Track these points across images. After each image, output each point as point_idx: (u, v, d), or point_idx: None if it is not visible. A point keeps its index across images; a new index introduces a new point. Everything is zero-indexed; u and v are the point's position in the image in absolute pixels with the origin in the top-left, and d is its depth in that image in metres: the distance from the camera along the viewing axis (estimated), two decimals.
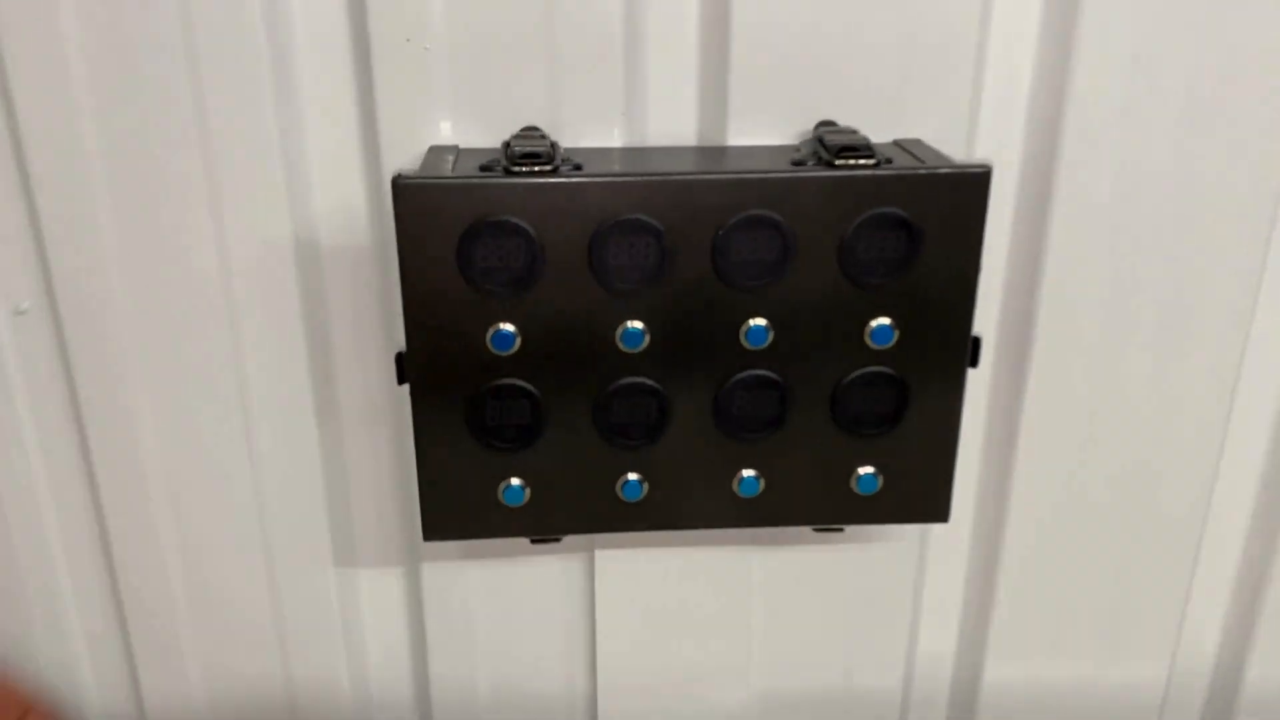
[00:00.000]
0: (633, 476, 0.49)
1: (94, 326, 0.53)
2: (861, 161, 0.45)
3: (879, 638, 0.63)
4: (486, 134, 0.50)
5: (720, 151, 0.50)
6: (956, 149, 0.51)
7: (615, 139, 0.51)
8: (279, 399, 0.55)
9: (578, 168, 0.45)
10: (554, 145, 0.46)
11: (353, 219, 0.53)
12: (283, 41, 0.49)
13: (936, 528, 0.61)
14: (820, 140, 0.47)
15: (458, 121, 0.50)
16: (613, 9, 0.48)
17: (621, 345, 0.46)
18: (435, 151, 0.49)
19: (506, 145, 0.47)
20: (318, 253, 0.53)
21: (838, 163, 0.45)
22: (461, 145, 0.50)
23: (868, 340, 0.47)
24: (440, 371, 0.46)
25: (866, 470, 0.50)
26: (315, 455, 0.57)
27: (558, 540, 0.53)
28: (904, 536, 0.62)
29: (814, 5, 0.49)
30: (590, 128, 0.50)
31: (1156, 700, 0.66)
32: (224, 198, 0.51)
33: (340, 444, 0.57)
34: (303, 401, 0.55)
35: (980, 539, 0.62)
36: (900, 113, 0.51)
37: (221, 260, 0.52)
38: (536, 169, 0.44)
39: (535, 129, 0.49)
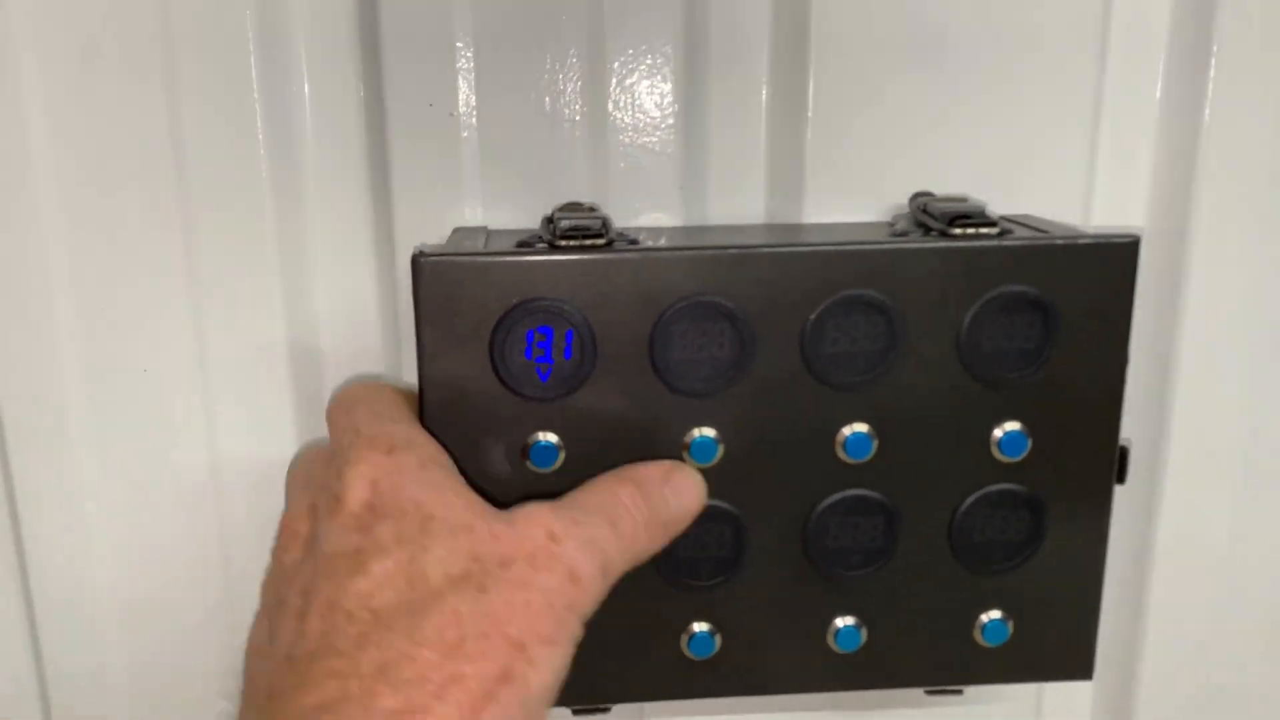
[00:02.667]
0: (702, 627, 0.39)
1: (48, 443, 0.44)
2: (983, 230, 0.37)
3: None
4: (521, 215, 0.43)
5: (799, 229, 0.42)
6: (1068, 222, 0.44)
7: (672, 218, 0.43)
8: (267, 533, 0.46)
9: (633, 243, 0.37)
10: (606, 219, 0.38)
11: (360, 319, 0.44)
12: (283, 106, 0.42)
13: (1053, 684, 0.50)
14: (924, 209, 0.39)
15: (487, 200, 0.43)
16: (669, 63, 0.42)
17: (690, 459, 0.37)
18: (461, 233, 0.41)
19: (549, 220, 0.39)
20: (318, 359, 0.45)
21: (955, 231, 0.37)
22: (491, 227, 0.42)
23: (995, 451, 0.38)
24: None
25: (994, 615, 0.40)
26: None
27: (606, 710, 0.42)
28: (1015, 696, 0.51)
29: (903, 58, 0.42)
30: (643, 206, 0.43)
31: None
32: (205, 291, 0.43)
33: None
34: None
35: (1107, 698, 0.51)
36: (1004, 185, 0.43)
37: (202, 364, 0.43)
38: (588, 243, 0.36)
39: (580, 204, 0.41)
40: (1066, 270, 0.36)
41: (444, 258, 0.35)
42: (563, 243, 0.36)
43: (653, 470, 0.35)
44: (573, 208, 0.40)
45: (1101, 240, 0.36)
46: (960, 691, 0.42)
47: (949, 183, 0.43)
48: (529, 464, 0.37)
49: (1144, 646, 0.50)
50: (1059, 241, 0.36)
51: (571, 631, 0.30)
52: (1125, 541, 0.49)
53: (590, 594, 0.31)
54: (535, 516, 0.32)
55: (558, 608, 0.30)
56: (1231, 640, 0.49)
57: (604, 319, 0.36)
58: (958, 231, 0.37)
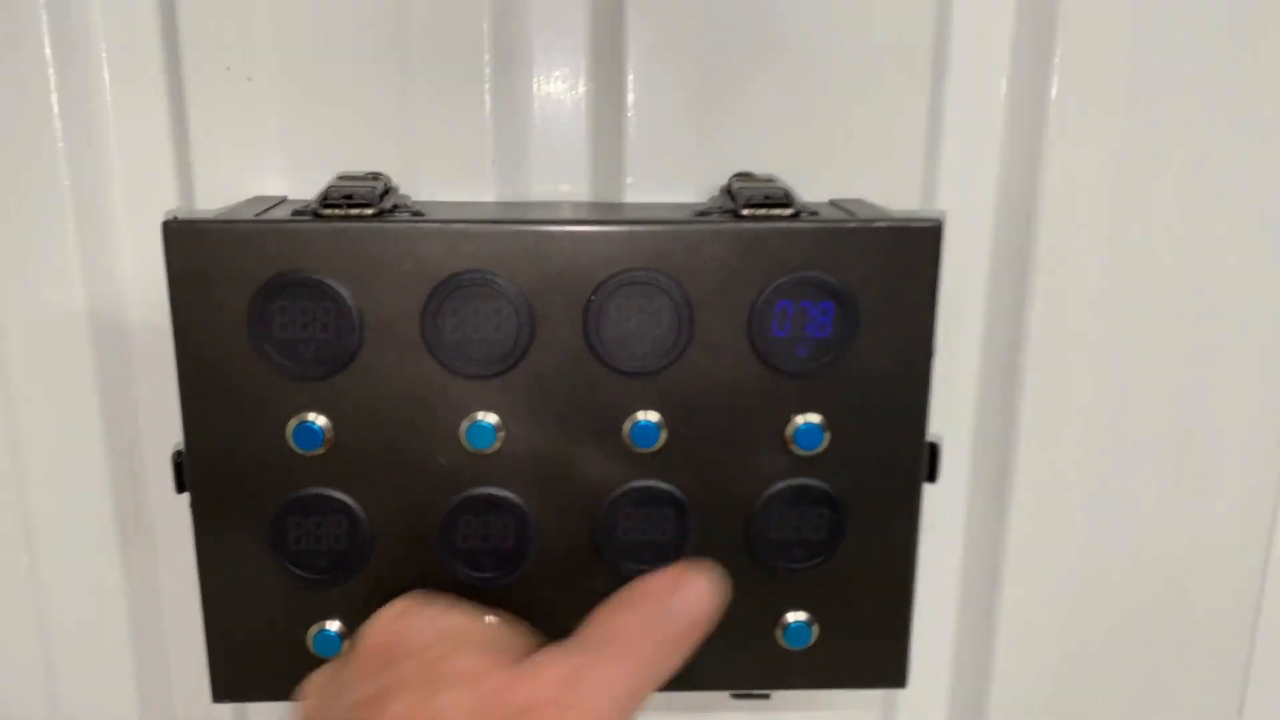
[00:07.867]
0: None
1: None
2: (774, 212, 0.35)
3: None
4: (323, 184, 0.41)
5: (612, 208, 0.40)
6: (910, 206, 0.42)
7: (487, 193, 0.41)
8: (70, 514, 0.44)
9: (417, 214, 0.35)
10: (389, 189, 0.36)
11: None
12: (79, 64, 0.40)
13: (902, 695, 0.48)
14: (729, 191, 0.37)
15: (291, 169, 0.41)
16: (483, 33, 0.40)
17: (467, 444, 0.35)
18: (254, 201, 0.39)
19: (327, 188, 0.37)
20: (123, 329, 0.43)
21: (744, 213, 0.35)
22: (292, 196, 0.41)
23: (791, 444, 0.36)
24: (228, 477, 0.35)
25: (796, 618, 0.38)
26: (119, 586, 0.45)
27: None
28: (863, 704, 0.49)
29: (727, 33, 0.40)
30: (451, 179, 0.41)
31: None
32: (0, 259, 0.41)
33: (151, 571, 0.46)
34: (101, 517, 0.44)
35: (961, 706, 0.50)
36: (839, 165, 0.41)
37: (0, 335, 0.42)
38: (353, 213, 0.34)
39: (377, 174, 0.39)
40: (863, 256, 0.34)
41: (196, 224, 0.33)
42: (328, 211, 0.34)
43: (658, 584, 0.33)
44: (366, 177, 0.38)
45: (899, 224, 0.34)
46: (767, 696, 0.41)
47: (781, 164, 0.41)
48: (293, 446, 0.35)
49: (996, 654, 0.48)
50: (851, 225, 0.34)
51: None
52: (979, 534, 0.47)
53: None
54: (546, 664, 0.30)
55: None
56: (1084, 648, 0.47)
57: (373, 295, 0.34)
58: (748, 213, 0.35)
